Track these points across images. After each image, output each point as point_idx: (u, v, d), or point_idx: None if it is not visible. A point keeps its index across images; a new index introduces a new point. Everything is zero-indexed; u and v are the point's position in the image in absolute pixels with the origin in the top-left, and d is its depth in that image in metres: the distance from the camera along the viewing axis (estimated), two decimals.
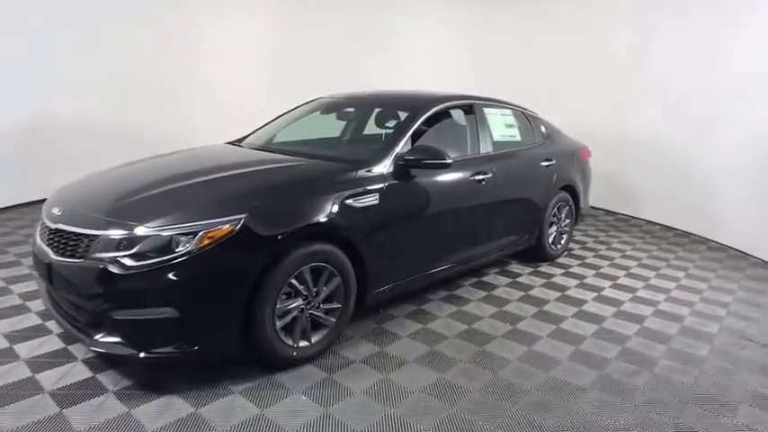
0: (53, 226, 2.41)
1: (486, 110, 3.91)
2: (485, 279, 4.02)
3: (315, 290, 2.60)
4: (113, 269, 2.16)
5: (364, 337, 2.95)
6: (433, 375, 2.57)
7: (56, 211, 2.48)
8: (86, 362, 2.51)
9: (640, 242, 5.46)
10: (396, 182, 2.97)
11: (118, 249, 2.19)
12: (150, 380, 2.39)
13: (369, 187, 2.81)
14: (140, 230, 2.20)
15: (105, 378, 2.40)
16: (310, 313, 2.61)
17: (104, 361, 2.51)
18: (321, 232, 2.60)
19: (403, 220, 3.06)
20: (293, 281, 2.48)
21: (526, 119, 4.41)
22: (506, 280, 4.04)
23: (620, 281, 4.18)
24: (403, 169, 3.02)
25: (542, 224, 4.35)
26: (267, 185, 2.63)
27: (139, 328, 2.19)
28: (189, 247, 2.19)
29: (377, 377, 2.53)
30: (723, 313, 3.60)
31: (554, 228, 4.56)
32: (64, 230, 2.35)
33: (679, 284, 4.17)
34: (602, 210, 7.00)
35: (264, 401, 2.29)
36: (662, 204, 6.23)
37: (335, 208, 2.63)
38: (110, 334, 2.21)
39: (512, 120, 4.20)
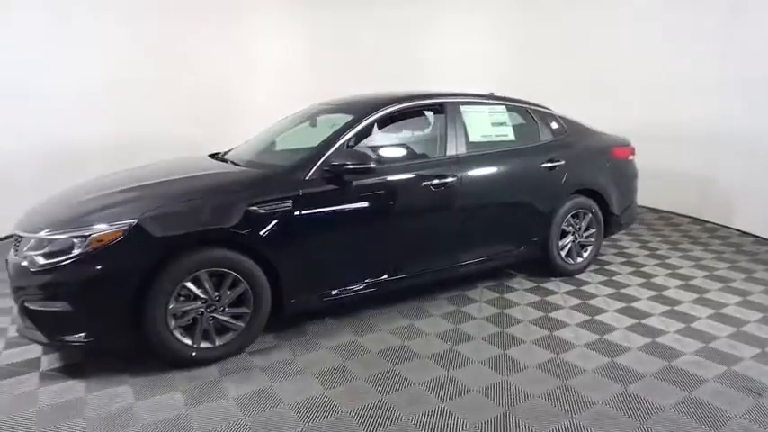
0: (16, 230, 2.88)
1: (464, 108, 3.59)
2: (468, 293, 3.69)
3: (217, 294, 2.69)
4: (28, 266, 2.51)
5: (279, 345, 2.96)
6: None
7: (22, 217, 2.96)
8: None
9: (710, 257, 4.48)
10: (318, 189, 2.91)
11: (35, 249, 2.55)
12: (80, 363, 2.73)
13: (280, 195, 2.81)
14: (42, 234, 2.52)
15: (46, 359, 2.80)
16: (213, 316, 2.71)
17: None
18: (219, 238, 2.68)
19: (330, 228, 2.98)
20: (189, 284, 2.60)
21: (529, 116, 3.94)
22: (492, 295, 3.66)
23: (641, 308, 3.49)
24: (330, 176, 2.95)
25: (548, 233, 3.84)
26: (167, 194, 2.77)
27: (44, 318, 2.51)
28: (80, 249, 2.45)
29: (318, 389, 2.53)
30: None
31: (569, 238, 3.99)
32: (17, 234, 2.79)
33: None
34: (689, 217, 5.89)
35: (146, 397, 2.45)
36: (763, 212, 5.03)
37: (237, 215, 2.68)
38: (28, 321, 2.58)
39: (503, 118, 3.79)
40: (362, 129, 3.17)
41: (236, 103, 6.56)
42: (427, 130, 3.60)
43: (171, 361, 2.66)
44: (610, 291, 3.74)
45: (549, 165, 3.80)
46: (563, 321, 3.23)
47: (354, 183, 3.00)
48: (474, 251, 3.58)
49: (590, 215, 4.06)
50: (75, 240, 2.46)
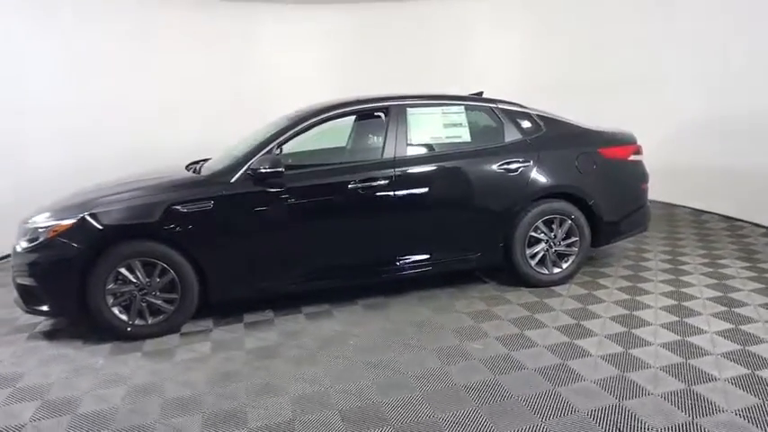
0: None
1: (412, 111, 3.56)
2: (391, 300, 3.65)
3: (148, 281, 3.15)
4: (17, 248, 3.24)
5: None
6: None
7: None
8: None
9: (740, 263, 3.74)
10: (241, 191, 3.20)
11: (23, 236, 3.26)
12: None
13: (201, 196, 3.16)
14: (26, 225, 3.21)
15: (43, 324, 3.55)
16: (145, 299, 3.17)
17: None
18: (146, 233, 3.12)
19: (251, 227, 3.25)
20: (122, 270, 3.10)
21: (494, 115, 3.72)
22: (433, 302, 3.58)
23: (588, 328, 3.14)
24: (253, 179, 3.22)
25: (510, 240, 3.61)
26: (114, 195, 3.24)
27: (22, 291, 3.20)
28: (43, 237, 3.09)
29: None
30: None
31: (540, 246, 3.69)
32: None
33: None
34: (749, 223, 4.92)
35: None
36: None
37: (159, 213, 3.11)
38: (16, 293, 3.30)
39: (458, 119, 3.64)
40: (292, 134, 3.37)
41: None
42: (370, 135, 3.65)
43: (111, 333, 3.19)
44: (574, 306, 3.40)
45: (509, 166, 3.57)
46: (485, 332, 3.07)
47: (280, 186, 3.22)
48: (414, 255, 3.54)
49: (569, 222, 3.70)
50: (40, 230, 3.11)
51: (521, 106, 3.82)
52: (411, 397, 2.44)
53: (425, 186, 3.48)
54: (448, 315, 3.35)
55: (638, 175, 3.90)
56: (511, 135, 3.69)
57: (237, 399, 2.49)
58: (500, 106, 3.75)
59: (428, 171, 3.49)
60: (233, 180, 3.22)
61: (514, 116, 3.75)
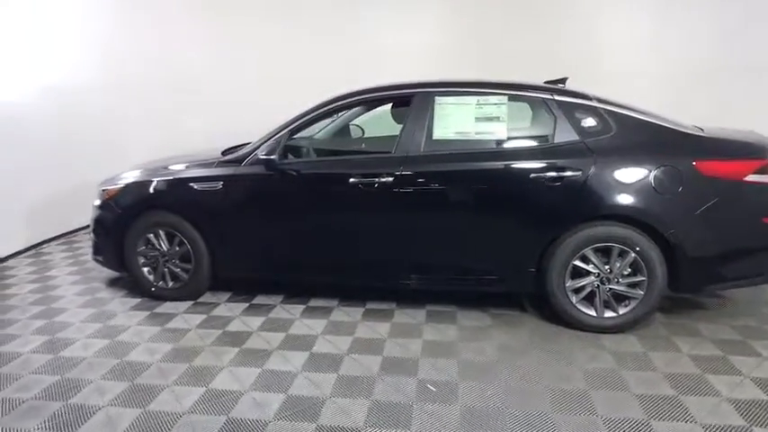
0: None
1: (440, 100, 3.06)
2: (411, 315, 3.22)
3: (168, 249, 3.43)
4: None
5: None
6: None
7: None
8: None
9: None
10: (247, 174, 3.22)
11: (97, 197, 3.83)
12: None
13: (215, 175, 3.28)
14: (98, 187, 3.77)
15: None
16: (167, 265, 3.46)
17: None
18: (166, 206, 3.38)
19: (252, 210, 3.26)
20: (150, 236, 3.43)
21: (547, 109, 2.96)
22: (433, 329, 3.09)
23: None
24: (262, 164, 3.20)
25: (546, 266, 2.90)
26: (150, 169, 3.57)
27: (92, 243, 3.79)
28: (101, 199, 3.60)
29: None
30: None
31: (588, 279, 2.88)
32: None
33: None
34: None
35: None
36: None
37: (179, 189, 3.34)
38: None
39: (497, 111, 2.98)
40: (304, 122, 3.23)
41: None
42: (391, 125, 3.26)
43: (140, 290, 3.59)
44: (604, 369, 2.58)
45: (550, 174, 2.83)
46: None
47: (284, 173, 3.16)
48: (422, 267, 3.11)
49: (632, 254, 2.79)
50: (100, 192, 3.63)
51: (589, 99, 2.98)
52: None
53: (435, 190, 2.99)
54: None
55: (759, 204, 2.72)
56: (563, 134, 2.91)
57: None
58: (558, 98, 2.98)
59: (441, 172, 2.99)
60: (243, 164, 3.26)
61: (574, 111, 2.94)
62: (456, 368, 2.58)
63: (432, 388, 2.40)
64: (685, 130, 2.87)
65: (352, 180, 3.04)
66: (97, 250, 3.69)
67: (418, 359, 2.68)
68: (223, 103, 5.63)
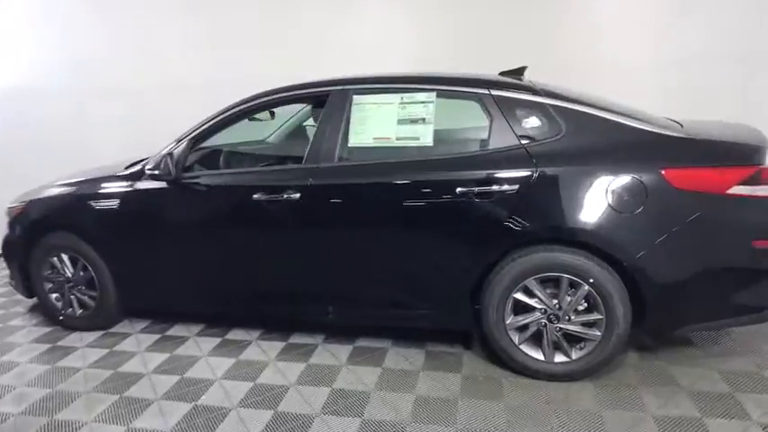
0: None
1: (359, 99, 2.55)
2: (316, 359, 2.75)
3: (72, 274, 3.08)
4: None
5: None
6: None
7: None
8: None
9: None
10: (143, 190, 2.82)
11: None
12: None
13: (110, 192, 2.89)
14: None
15: None
16: (73, 292, 3.11)
17: None
18: (65, 226, 3.01)
19: (146, 231, 2.87)
20: (54, 259, 3.08)
21: (483, 107, 2.40)
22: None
23: None
24: (155, 180, 2.79)
25: (482, 300, 2.38)
26: (54, 185, 3.19)
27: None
28: (8, 216, 3.27)
29: None
30: None
31: (531, 317, 2.34)
32: None
33: None
34: None
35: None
36: None
37: (78, 208, 2.97)
38: None
39: (423, 111, 2.44)
40: (205, 130, 2.79)
41: None
42: (304, 130, 2.78)
43: (50, 318, 3.26)
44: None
45: (480, 189, 2.29)
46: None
47: (182, 189, 2.74)
48: (340, 298, 2.64)
49: (586, 287, 2.23)
50: (8, 210, 3.31)
51: (535, 92, 2.40)
52: None
53: (347, 207, 2.50)
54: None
55: (747, 223, 2.11)
56: (500, 138, 2.35)
57: None
58: (495, 93, 2.42)
59: (354, 186, 2.49)
60: (141, 178, 2.86)
61: (515, 108, 2.38)
62: (355, 430, 2.11)
63: None
64: (654, 129, 2.26)
65: (255, 196, 2.59)
66: (12, 274, 3.39)
67: (314, 417, 2.21)
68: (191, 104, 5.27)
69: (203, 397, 2.41)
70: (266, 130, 3.61)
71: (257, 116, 3.03)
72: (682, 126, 2.40)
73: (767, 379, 2.30)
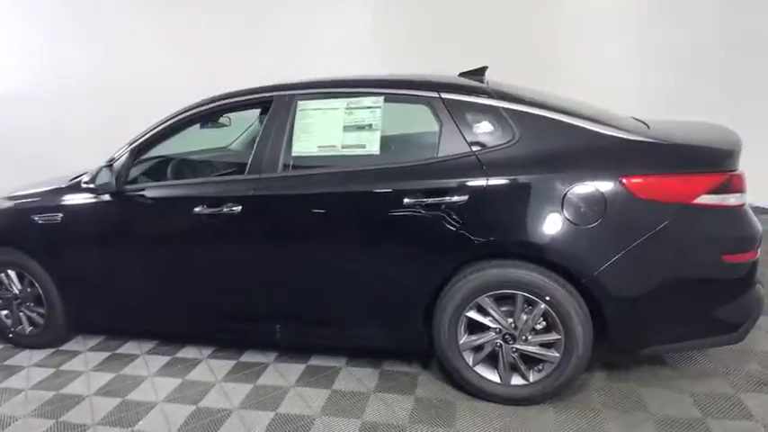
0: None
1: (304, 105, 2.39)
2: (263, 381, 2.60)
3: (20, 291, 2.94)
4: None
5: None
6: None
7: None
8: None
9: None
10: (85, 203, 2.69)
11: None
12: None
13: (53, 204, 2.76)
14: None
15: None
16: (21, 309, 2.98)
17: None
18: (9, 240, 2.88)
19: (93, 246, 2.74)
20: (1, 275, 2.96)
21: (432, 111, 2.23)
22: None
23: None
24: (93, 192, 2.67)
25: (435, 324, 2.21)
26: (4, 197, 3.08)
27: None
28: None
29: None
30: None
31: (485, 336, 2.17)
32: None
33: None
34: None
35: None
36: None
37: (23, 222, 2.83)
38: None
39: (370, 117, 2.27)
40: (149, 139, 2.64)
41: None
42: (248, 139, 2.63)
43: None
44: None
45: (427, 201, 2.12)
46: None
47: (124, 202, 2.60)
48: (287, 317, 2.48)
49: (542, 305, 2.06)
50: None
51: (488, 95, 2.22)
52: None
53: (290, 220, 2.35)
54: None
55: (716, 236, 1.92)
56: (450, 145, 2.18)
57: None
58: (445, 96, 2.24)
59: (296, 197, 2.34)
60: (81, 191, 2.73)
61: (465, 112, 2.20)
62: None
63: None
64: (614, 133, 2.07)
65: (196, 210, 2.44)
66: None
67: None
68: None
69: (140, 423, 2.27)
70: (231, 138, 3.49)
71: (214, 122, 2.89)
72: (648, 127, 2.21)
73: (743, 403, 2.12)
